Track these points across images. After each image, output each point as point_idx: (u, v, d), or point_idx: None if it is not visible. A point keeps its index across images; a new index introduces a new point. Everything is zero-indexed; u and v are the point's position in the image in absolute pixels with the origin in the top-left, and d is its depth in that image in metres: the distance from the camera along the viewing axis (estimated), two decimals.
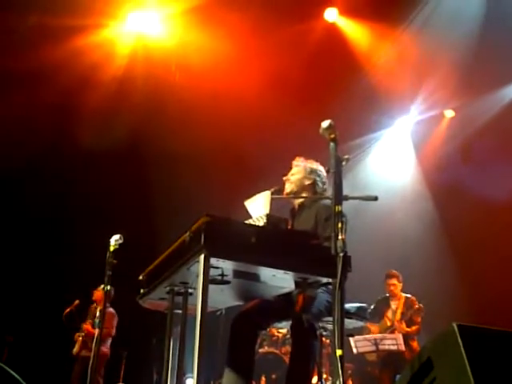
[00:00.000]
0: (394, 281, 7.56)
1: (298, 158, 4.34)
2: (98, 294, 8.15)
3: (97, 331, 5.38)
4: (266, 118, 8.45)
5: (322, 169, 4.26)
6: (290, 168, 4.32)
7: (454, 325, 2.40)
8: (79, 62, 7.96)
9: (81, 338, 8.03)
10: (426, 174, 9.99)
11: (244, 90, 8.29)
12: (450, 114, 9.80)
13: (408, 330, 7.23)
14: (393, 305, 7.54)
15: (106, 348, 8.10)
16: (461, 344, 2.31)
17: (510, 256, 8.24)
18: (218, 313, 5.76)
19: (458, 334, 2.35)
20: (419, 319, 7.32)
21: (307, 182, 4.20)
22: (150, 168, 9.37)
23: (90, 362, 4.80)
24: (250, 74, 8.37)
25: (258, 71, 8.36)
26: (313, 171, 4.23)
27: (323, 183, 4.22)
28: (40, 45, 7.60)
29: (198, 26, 8.14)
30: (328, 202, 3.84)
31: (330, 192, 3.14)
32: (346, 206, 2.88)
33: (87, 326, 8.03)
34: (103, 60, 8.27)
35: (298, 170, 4.25)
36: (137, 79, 8.46)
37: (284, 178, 4.25)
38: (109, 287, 4.57)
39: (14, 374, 2.78)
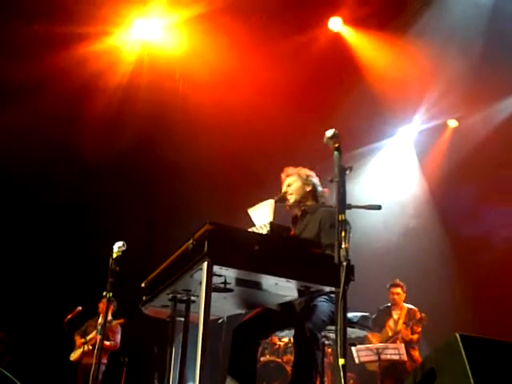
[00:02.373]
0: (399, 290, 7.57)
1: (286, 169, 4.33)
2: (103, 305, 8.13)
3: (99, 338, 5.37)
4: (269, 127, 8.46)
5: (313, 174, 4.28)
6: (281, 181, 4.29)
7: (457, 335, 2.40)
8: (84, 70, 7.98)
9: (87, 347, 7.92)
10: (429, 183, 9.98)
11: (248, 99, 8.31)
12: (453, 123, 9.79)
13: (411, 336, 7.23)
14: (395, 314, 7.53)
15: (105, 358, 8.11)
16: (464, 354, 2.31)
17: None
18: (220, 321, 5.74)
19: (460, 344, 2.35)
20: (419, 329, 7.32)
21: (308, 189, 4.20)
22: (153, 176, 9.40)
23: (92, 368, 4.79)
24: (254, 83, 8.39)
25: (262, 80, 8.38)
26: (308, 177, 4.24)
27: (320, 186, 4.23)
28: (45, 52, 7.64)
29: (203, 34, 8.16)
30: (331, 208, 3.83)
31: (331, 198, 3.14)
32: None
33: (96, 336, 7.94)
34: (108, 68, 8.30)
35: (294, 179, 4.23)
36: (141, 87, 8.49)
37: (283, 191, 4.23)
38: (111, 294, 4.57)
39: (11, 377, 2.77)
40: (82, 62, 7.90)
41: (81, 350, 8.01)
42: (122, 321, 8.20)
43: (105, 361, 8.11)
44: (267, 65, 8.34)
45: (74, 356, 8.16)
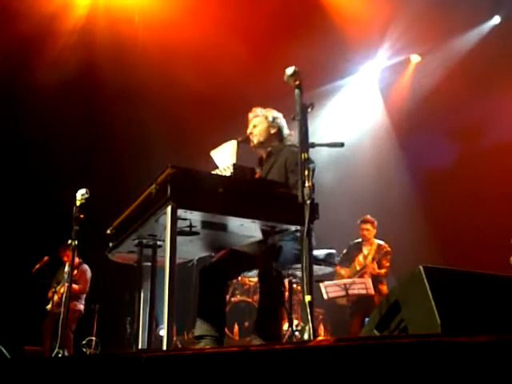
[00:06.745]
0: (369, 226, 7.65)
1: (254, 109, 4.25)
2: (68, 253, 7.99)
3: (66, 285, 5.35)
4: (232, 65, 8.31)
5: (281, 115, 4.22)
6: (247, 121, 4.23)
7: (421, 267, 2.44)
8: (37, 11, 7.69)
9: (57, 297, 7.85)
10: (392, 119, 10.00)
11: (210, 37, 8.15)
12: (415, 58, 9.77)
13: (379, 271, 7.38)
14: (365, 250, 7.65)
15: (81, 304, 8.07)
16: (427, 285, 2.35)
17: (476, 197, 8.38)
18: (190, 263, 5.76)
19: (424, 276, 2.39)
20: (387, 263, 7.47)
21: (273, 131, 4.15)
22: (114, 120, 9.18)
23: (61, 316, 4.79)
24: (216, 22, 8.21)
25: (225, 19, 8.22)
26: (275, 118, 4.17)
27: (287, 129, 4.19)
28: None
29: None
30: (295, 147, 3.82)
31: (295, 138, 3.12)
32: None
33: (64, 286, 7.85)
34: (63, 10, 8.02)
35: (260, 121, 4.16)
36: (98, 29, 8.23)
37: (248, 132, 4.18)
38: (76, 242, 4.53)
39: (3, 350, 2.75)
40: (34, 4, 7.60)
41: (54, 300, 7.92)
42: None
43: (80, 306, 8.06)
44: (229, 3, 8.17)
45: (49, 306, 8.11)
